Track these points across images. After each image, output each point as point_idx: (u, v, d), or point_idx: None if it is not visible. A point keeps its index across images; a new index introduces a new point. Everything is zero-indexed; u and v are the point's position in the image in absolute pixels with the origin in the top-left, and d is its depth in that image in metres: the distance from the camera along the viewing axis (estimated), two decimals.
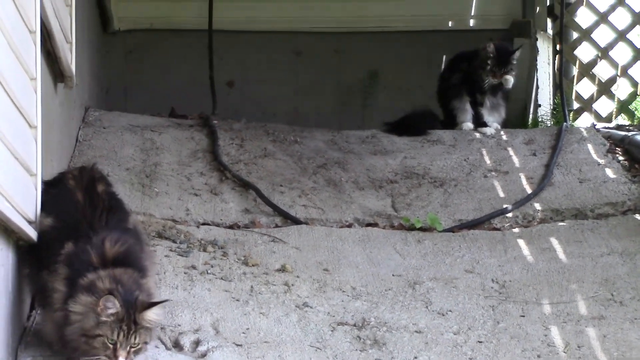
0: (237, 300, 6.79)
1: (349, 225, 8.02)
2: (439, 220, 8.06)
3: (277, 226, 7.88)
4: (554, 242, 7.80)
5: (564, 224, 8.10)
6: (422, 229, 7.98)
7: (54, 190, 5.49)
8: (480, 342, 6.66)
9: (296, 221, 7.96)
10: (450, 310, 6.96)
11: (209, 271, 7.06)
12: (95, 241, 4.94)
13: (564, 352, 6.65)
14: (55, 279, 4.91)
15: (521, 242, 7.80)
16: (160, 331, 6.38)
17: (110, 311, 4.42)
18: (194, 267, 7.09)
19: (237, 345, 6.36)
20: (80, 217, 5.11)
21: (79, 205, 5.22)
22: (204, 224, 7.75)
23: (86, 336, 4.43)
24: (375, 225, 8.06)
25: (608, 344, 6.72)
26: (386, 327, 6.70)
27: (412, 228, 8.00)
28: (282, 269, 7.21)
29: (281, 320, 6.68)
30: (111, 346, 4.43)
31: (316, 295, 6.96)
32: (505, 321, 6.87)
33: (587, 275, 7.39)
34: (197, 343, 6.31)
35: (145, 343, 4.67)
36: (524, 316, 6.93)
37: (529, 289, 7.22)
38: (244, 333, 6.48)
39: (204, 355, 6.23)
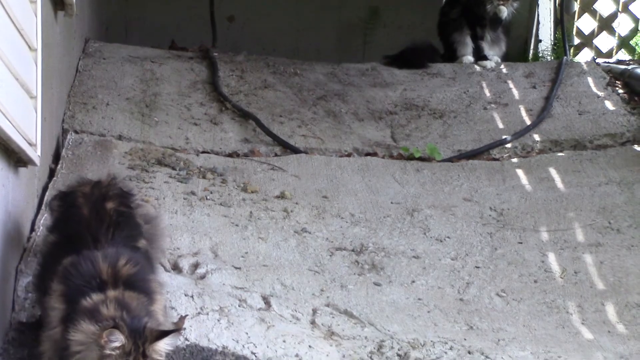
0: (236, 225, 6.82)
1: (348, 155, 8.02)
2: (437, 150, 8.08)
3: (276, 155, 7.89)
4: (553, 171, 7.82)
5: (563, 154, 8.12)
6: (421, 159, 8.00)
7: (61, 207, 5.09)
8: (478, 267, 6.70)
9: (295, 150, 7.96)
10: (448, 237, 7.00)
11: (208, 197, 7.09)
12: (101, 256, 4.46)
13: (561, 277, 6.69)
14: (52, 296, 4.46)
15: (520, 172, 7.82)
16: (159, 253, 6.44)
17: (115, 344, 4.00)
18: (193, 193, 7.11)
19: (236, 268, 6.40)
20: (85, 231, 4.71)
21: (83, 218, 4.82)
22: (203, 152, 7.75)
23: None
24: (374, 154, 8.06)
25: (604, 270, 6.76)
26: (384, 253, 6.74)
27: (411, 158, 8.02)
28: (281, 196, 7.23)
29: (280, 245, 6.72)
30: None
31: (315, 221, 6.99)
32: (502, 248, 6.91)
33: (584, 203, 7.42)
34: (196, 266, 6.36)
35: None
36: (521, 243, 6.97)
37: (527, 216, 7.25)
38: (242, 257, 6.51)
39: (202, 277, 6.28)
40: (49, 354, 4.34)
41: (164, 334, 4.09)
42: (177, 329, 4.37)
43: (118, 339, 3.95)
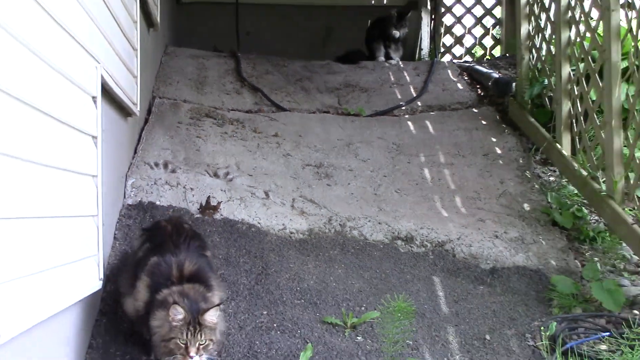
0: (250, 151, 6.78)
1: (314, 112, 7.96)
2: (363, 110, 8.02)
3: (272, 112, 7.83)
4: (427, 122, 7.80)
5: (433, 113, 8.08)
6: (354, 115, 7.94)
7: (152, 232, 4.63)
8: (385, 176, 6.70)
9: (283, 109, 7.88)
10: (369, 159, 6.97)
11: (234, 135, 7.04)
12: (176, 259, 4.19)
13: (430, 182, 6.70)
14: (141, 282, 4.19)
15: (409, 123, 7.79)
16: (206, 167, 6.41)
17: (178, 317, 3.79)
18: (225, 133, 7.06)
19: (249, 175, 6.38)
20: (167, 239, 4.38)
21: (167, 232, 4.47)
22: (231, 110, 7.69)
23: (165, 341, 3.83)
24: (327, 112, 8.01)
25: (455, 178, 6.77)
26: (332, 167, 6.73)
27: (348, 114, 7.95)
28: (275, 135, 7.17)
29: (274, 162, 6.68)
30: (183, 345, 3.81)
31: (294, 149, 6.97)
32: (399, 165, 6.90)
33: (444, 140, 7.41)
34: (226, 174, 6.34)
35: (211, 340, 3.88)
36: (409, 162, 6.96)
37: (412, 147, 7.23)
38: (253, 169, 6.49)
39: (230, 180, 6.26)
40: (131, 312, 4.22)
41: (209, 309, 3.83)
42: (218, 304, 3.96)
43: (179, 312, 3.78)
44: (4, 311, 2.74)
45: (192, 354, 3.77)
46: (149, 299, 4.05)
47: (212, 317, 3.84)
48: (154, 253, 4.26)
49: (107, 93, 4.79)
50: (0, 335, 2.66)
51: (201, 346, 3.80)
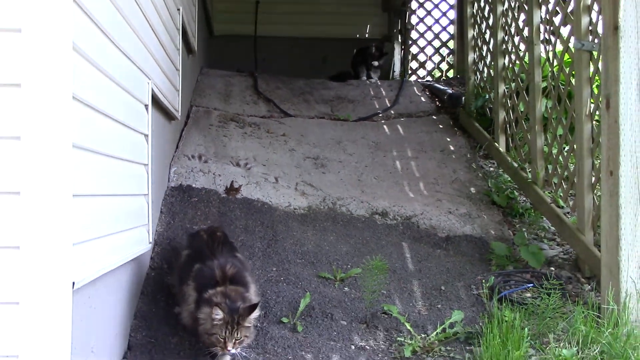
0: (264, 147, 6.75)
1: (312, 118, 7.90)
2: (350, 116, 7.97)
3: (281, 117, 7.77)
4: (398, 126, 7.76)
5: (403, 119, 8.03)
6: (343, 120, 7.88)
7: (192, 238, 4.44)
8: (366, 166, 6.67)
9: (290, 115, 7.83)
10: (354, 153, 6.92)
11: (251, 135, 7.01)
12: (216, 264, 3.92)
13: (400, 171, 6.68)
14: (189, 286, 3.95)
15: (385, 126, 7.75)
16: (231, 158, 6.40)
17: (218, 317, 3.59)
18: (245, 133, 7.02)
19: (263, 165, 6.36)
20: (205, 247, 4.16)
21: (203, 240, 4.26)
22: (250, 115, 7.64)
23: (207, 334, 3.63)
24: (323, 118, 7.94)
25: (419, 169, 6.74)
26: (327, 159, 6.70)
27: (339, 119, 7.89)
28: (283, 135, 7.13)
29: (282, 155, 6.65)
30: (222, 340, 3.61)
31: (297, 145, 6.93)
32: (377, 158, 6.87)
33: (411, 139, 7.37)
34: (246, 164, 6.31)
35: (246, 337, 3.66)
36: (385, 156, 6.92)
37: (387, 145, 7.19)
38: (266, 160, 6.46)
39: (249, 168, 6.22)
40: (185, 316, 3.93)
41: (249, 310, 3.62)
42: (256, 304, 3.69)
43: (219, 314, 3.58)
44: (78, 264, 2.75)
45: (229, 348, 3.61)
46: (198, 298, 3.81)
47: (251, 317, 3.64)
48: (195, 260, 4.04)
49: (156, 102, 4.79)
50: (75, 282, 2.66)
51: (237, 341, 3.62)
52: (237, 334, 3.60)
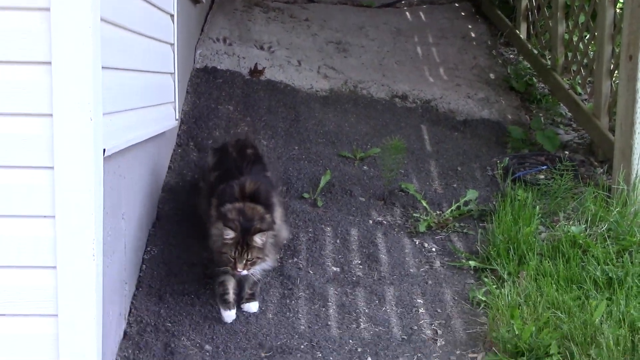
0: (287, 31, 6.65)
1: (335, 4, 7.48)
2: (373, 2, 7.58)
3: (305, 2, 7.52)
4: (420, 13, 7.48)
5: (425, 6, 7.64)
6: (366, 6, 7.48)
7: (219, 154, 4.06)
8: (388, 51, 6.57)
9: (313, 1, 7.55)
10: (376, 38, 6.76)
11: (275, 19, 6.89)
12: (239, 181, 3.60)
13: (421, 57, 6.57)
14: (212, 207, 3.61)
15: (407, 13, 7.55)
16: (255, 42, 6.33)
17: (228, 236, 3.34)
18: (269, 18, 6.82)
19: (286, 48, 6.30)
20: (233, 167, 3.82)
21: (232, 159, 3.91)
22: (274, 1, 7.27)
23: (219, 252, 3.40)
24: (345, 4, 7.53)
25: (439, 54, 6.62)
26: (349, 44, 6.60)
27: (361, 5, 7.49)
28: (306, 19, 6.98)
29: (305, 39, 6.55)
30: (232, 260, 3.34)
31: (320, 30, 6.81)
32: (398, 43, 6.74)
33: (433, 26, 7.11)
34: (269, 47, 6.27)
35: (259, 258, 3.39)
36: (406, 42, 6.79)
37: (409, 31, 7.01)
38: (289, 44, 6.40)
39: (272, 52, 6.18)
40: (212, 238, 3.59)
41: (259, 230, 3.36)
42: (269, 229, 3.42)
43: (229, 233, 3.33)
44: (108, 133, 2.82)
45: (239, 269, 3.36)
46: (217, 214, 3.55)
47: (260, 238, 3.37)
48: (221, 181, 3.73)
49: None
50: (106, 149, 2.74)
51: (249, 262, 3.36)
52: (248, 255, 3.36)
